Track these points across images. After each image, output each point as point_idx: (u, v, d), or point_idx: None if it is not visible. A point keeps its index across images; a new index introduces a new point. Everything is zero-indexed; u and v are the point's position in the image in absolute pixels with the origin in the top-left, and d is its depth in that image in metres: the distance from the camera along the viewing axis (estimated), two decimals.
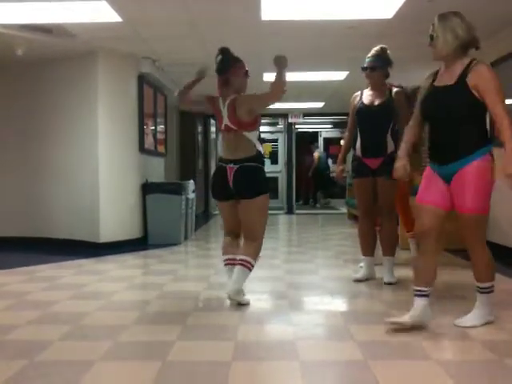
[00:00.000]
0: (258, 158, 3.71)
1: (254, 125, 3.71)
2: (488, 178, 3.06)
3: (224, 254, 3.95)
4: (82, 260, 5.74)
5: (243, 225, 3.80)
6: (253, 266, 3.74)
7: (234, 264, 3.81)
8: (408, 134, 3.34)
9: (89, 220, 6.54)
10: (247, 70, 3.80)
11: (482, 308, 3.19)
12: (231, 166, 3.68)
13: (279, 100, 3.67)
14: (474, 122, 3.04)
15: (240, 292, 3.73)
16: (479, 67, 3.02)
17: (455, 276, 4.75)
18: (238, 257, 3.75)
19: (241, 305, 3.72)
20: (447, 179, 3.08)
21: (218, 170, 3.82)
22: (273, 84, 3.59)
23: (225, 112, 3.71)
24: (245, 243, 3.80)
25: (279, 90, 3.59)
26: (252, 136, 3.69)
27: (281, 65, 3.62)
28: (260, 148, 3.74)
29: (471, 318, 3.17)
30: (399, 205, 5.12)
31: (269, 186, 3.85)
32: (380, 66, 4.31)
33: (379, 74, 4.33)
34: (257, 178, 3.69)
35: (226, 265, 3.93)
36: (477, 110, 3.03)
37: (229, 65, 3.70)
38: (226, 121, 3.71)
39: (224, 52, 3.73)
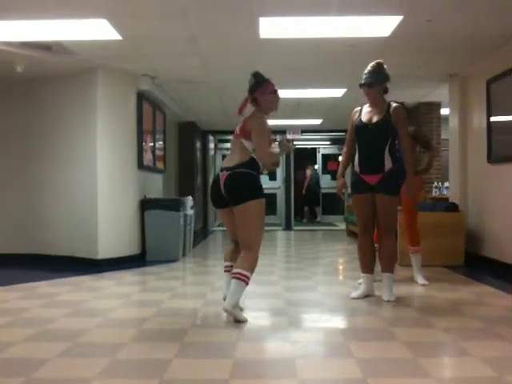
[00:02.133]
0: (250, 163, 3.76)
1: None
2: None
3: (224, 260, 4.07)
4: (80, 277, 5.71)
5: (238, 232, 3.83)
6: (249, 279, 3.70)
7: (230, 272, 3.87)
8: None
9: (87, 237, 6.52)
10: (276, 90, 3.96)
11: None
12: (224, 172, 3.82)
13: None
14: None
15: (236, 306, 3.71)
16: None
17: (456, 292, 4.73)
18: (233, 270, 3.74)
19: (238, 322, 3.70)
20: None
21: (214, 178, 3.95)
22: (270, 154, 3.84)
23: (240, 123, 3.94)
24: (240, 255, 3.78)
25: (268, 160, 3.84)
26: (249, 145, 3.80)
27: (283, 151, 4.06)
28: (255, 156, 3.80)
29: None
30: (406, 220, 5.16)
31: (261, 192, 3.79)
32: (377, 82, 4.31)
33: (377, 91, 4.33)
34: (244, 184, 3.73)
35: (225, 271, 4.03)
36: None
37: (256, 86, 3.92)
38: (236, 129, 3.94)
39: (254, 76, 3.96)
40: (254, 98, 3.91)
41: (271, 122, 4.26)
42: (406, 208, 5.14)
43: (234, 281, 3.67)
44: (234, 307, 3.67)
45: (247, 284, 3.71)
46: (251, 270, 3.73)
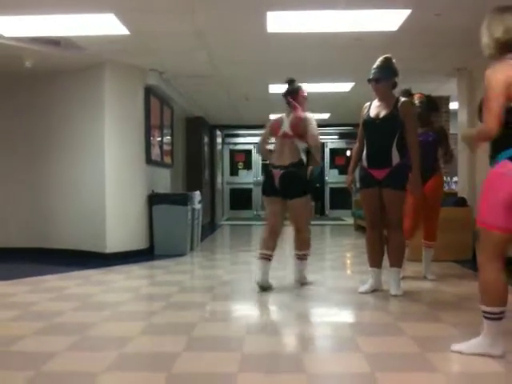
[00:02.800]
0: (300, 163, 4.56)
1: (304, 138, 4.58)
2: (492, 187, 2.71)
3: (261, 248, 4.61)
4: (89, 270, 5.75)
5: (291, 219, 4.72)
6: (308, 256, 4.77)
7: (268, 259, 4.54)
8: None
9: (96, 231, 6.55)
10: (306, 96, 4.79)
11: (483, 336, 2.81)
12: (278, 170, 4.53)
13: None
14: None
15: (304, 278, 4.80)
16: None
17: (464, 287, 4.72)
18: (295, 252, 4.77)
19: (304, 284, 4.74)
20: None
21: (267, 174, 4.71)
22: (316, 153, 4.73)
23: (287, 122, 4.63)
24: (295, 239, 4.75)
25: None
26: (301, 145, 4.57)
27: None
28: (303, 157, 4.58)
29: (468, 345, 2.86)
30: (426, 215, 5.06)
31: (310, 188, 4.71)
32: (385, 78, 4.29)
33: (385, 86, 4.31)
34: (298, 182, 4.53)
35: (260, 258, 4.57)
36: None
37: (299, 88, 4.74)
38: (285, 128, 4.63)
39: (293, 80, 4.74)
40: (295, 98, 4.63)
41: (279, 116, 4.52)
42: (428, 203, 5.03)
43: (298, 262, 4.77)
44: (303, 279, 4.80)
45: (307, 260, 4.80)
46: (308, 247, 4.79)
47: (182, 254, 6.90)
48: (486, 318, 2.77)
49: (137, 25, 5.13)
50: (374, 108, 4.39)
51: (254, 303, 3.97)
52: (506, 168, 2.65)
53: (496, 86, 2.64)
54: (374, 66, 4.33)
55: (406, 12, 4.78)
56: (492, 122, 2.64)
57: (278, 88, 8.17)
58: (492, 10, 2.82)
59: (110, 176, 6.56)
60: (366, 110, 4.45)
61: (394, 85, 4.38)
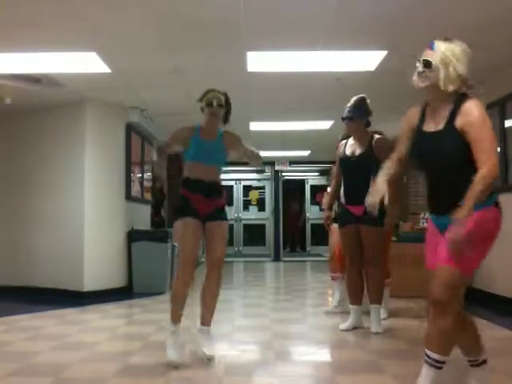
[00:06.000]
0: None
1: None
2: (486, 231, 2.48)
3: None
4: (66, 309, 5.63)
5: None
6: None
7: None
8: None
9: (73, 269, 6.44)
10: None
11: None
12: None
13: None
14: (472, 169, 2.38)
15: None
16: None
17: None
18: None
19: None
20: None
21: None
22: None
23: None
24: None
25: None
26: None
27: None
28: None
29: None
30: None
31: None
32: (358, 116, 4.39)
33: (358, 124, 4.40)
34: None
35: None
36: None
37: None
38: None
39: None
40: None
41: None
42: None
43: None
44: None
45: None
46: None
47: (161, 292, 6.79)
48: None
49: (118, 63, 5.18)
50: (350, 146, 4.49)
51: (233, 342, 3.91)
52: (495, 213, 2.49)
53: (490, 124, 2.43)
54: (348, 105, 4.44)
55: (383, 53, 4.91)
56: (497, 163, 2.35)
57: (259, 125, 8.29)
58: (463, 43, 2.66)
59: (88, 212, 6.50)
60: (342, 148, 4.55)
61: (368, 124, 4.48)
